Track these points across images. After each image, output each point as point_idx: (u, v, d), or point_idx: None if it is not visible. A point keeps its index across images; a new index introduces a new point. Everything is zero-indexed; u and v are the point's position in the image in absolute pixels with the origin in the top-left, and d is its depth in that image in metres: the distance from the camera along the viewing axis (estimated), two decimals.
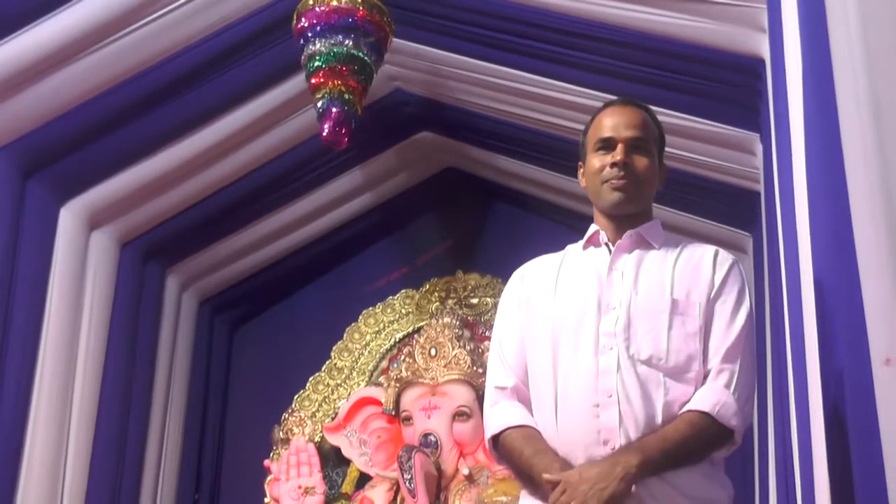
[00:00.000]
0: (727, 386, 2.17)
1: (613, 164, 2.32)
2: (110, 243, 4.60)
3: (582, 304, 2.27)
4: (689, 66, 3.63)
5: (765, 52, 3.24)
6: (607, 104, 2.47)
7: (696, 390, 2.18)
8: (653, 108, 2.51)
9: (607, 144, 2.35)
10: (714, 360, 2.20)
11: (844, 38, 1.72)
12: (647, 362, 2.18)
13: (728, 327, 2.23)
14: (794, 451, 2.67)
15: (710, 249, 2.35)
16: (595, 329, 2.23)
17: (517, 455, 2.25)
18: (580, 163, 2.46)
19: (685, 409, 2.16)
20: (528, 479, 2.24)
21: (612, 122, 2.37)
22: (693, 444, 2.13)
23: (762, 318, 3.66)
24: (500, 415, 2.33)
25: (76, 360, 4.29)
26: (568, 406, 2.21)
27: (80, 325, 4.33)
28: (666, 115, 3.56)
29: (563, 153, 4.46)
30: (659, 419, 2.15)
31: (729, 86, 3.64)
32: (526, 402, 2.33)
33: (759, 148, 3.71)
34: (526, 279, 2.46)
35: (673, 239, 2.40)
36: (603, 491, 2.03)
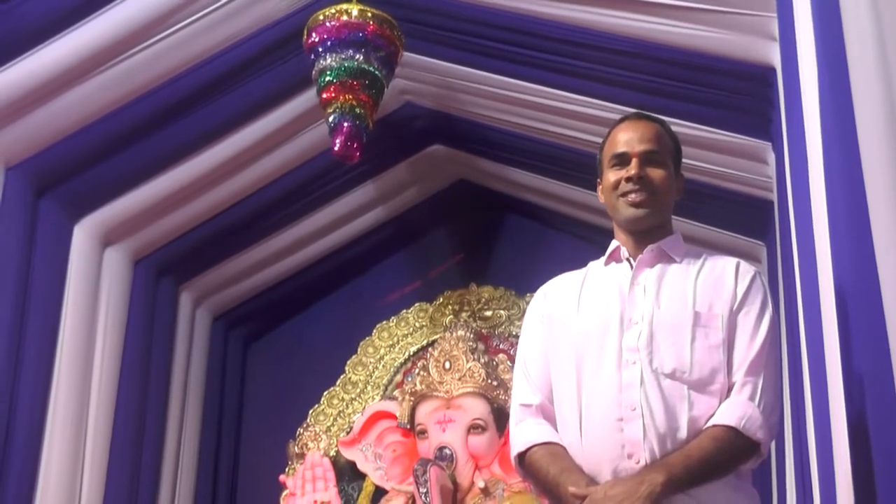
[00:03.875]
0: (752, 398, 2.15)
1: (629, 179, 2.32)
2: (124, 260, 4.61)
3: (604, 320, 2.27)
4: (699, 76, 3.63)
5: (775, 60, 3.24)
6: (621, 119, 2.47)
7: (720, 403, 2.17)
8: (664, 118, 2.51)
9: (622, 159, 2.35)
10: (738, 373, 2.18)
11: (859, 44, 1.72)
12: (671, 375, 2.17)
13: (751, 339, 2.22)
14: (811, 459, 2.65)
15: (731, 261, 2.35)
16: (618, 344, 2.22)
17: (543, 473, 2.24)
18: (598, 179, 2.46)
19: (710, 423, 2.14)
20: (555, 496, 2.22)
21: (626, 137, 2.37)
22: (719, 459, 2.11)
23: (776, 326, 3.65)
24: (525, 432, 2.32)
25: (91, 377, 4.30)
26: (592, 421, 2.20)
27: (94, 342, 4.34)
28: (677, 125, 3.52)
29: (574, 164, 4.46)
30: (683, 432, 2.14)
31: (740, 95, 3.63)
32: (551, 420, 2.32)
33: (772, 157, 3.70)
34: (549, 296, 2.46)
35: (694, 251, 2.39)
36: None
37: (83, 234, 4.31)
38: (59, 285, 4.15)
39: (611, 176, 2.37)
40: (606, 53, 3.74)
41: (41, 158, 3.96)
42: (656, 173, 2.33)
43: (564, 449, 2.25)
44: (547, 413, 2.33)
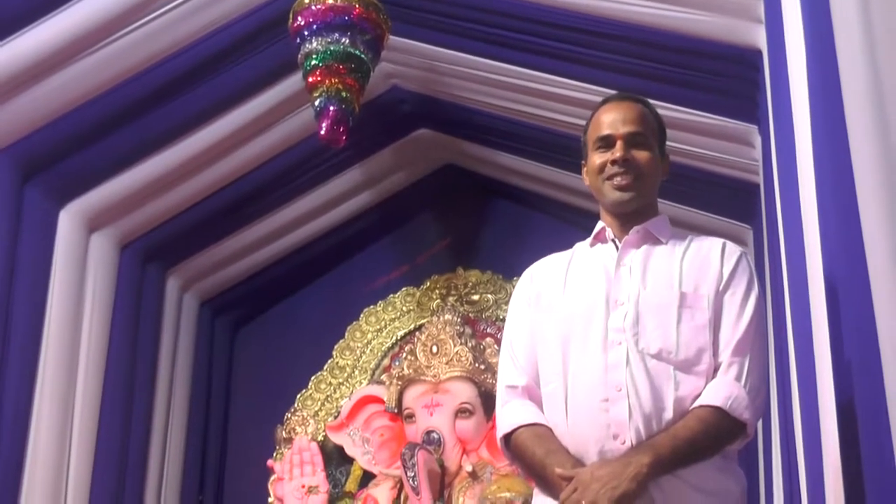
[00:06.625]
0: (738, 379, 2.16)
1: (614, 161, 2.31)
2: (110, 246, 4.59)
3: (590, 301, 2.27)
4: (685, 59, 3.62)
5: (762, 43, 3.24)
6: (604, 101, 2.46)
7: (706, 383, 2.17)
8: (650, 101, 2.50)
9: (606, 142, 2.34)
10: (724, 354, 2.19)
11: (847, 26, 1.71)
12: (657, 356, 2.17)
13: (737, 320, 2.22)
14: (797, 442, 2.66)
15: (717, 242, 2.35)
16: (604, 325, 2.22)
17: (529, 454, 2.24)
18: (583, 161, 2.45)
19: (696, 404, 2.15)
20: (541, 478, 2.23)
21: (610, 119, 2.36)
22: (705, 439, 2.11)
23: (763, 306, 3.66)
24: (511, 414, 2.32)
25: (77, 363, 4.29)
26: (578, 402, 2.20)
27: (80, 328, 4.33)
28: (663, 108, 3.52)
29: (561, 148, 4.47)
30: (669, 413, 2.14)
31: (726, 77, 3.63)
32: (537, 401, 2.31)
33: (758, 140, 3.71)
34: (535, 279, 2.45)
35: (680, 233, 2.39)
36: (614, 490, 2.01)
37: (69, 220, 4.29)
38: (44, 271, 4.14)
39: (596, 158, 2.36)
40: (593, 36, 3.74)
41: (26, 144, 3.94)
42: (641, 155, 2.33)
43: (550, 430, 2.24)
44: (533, 395, 2.33)
